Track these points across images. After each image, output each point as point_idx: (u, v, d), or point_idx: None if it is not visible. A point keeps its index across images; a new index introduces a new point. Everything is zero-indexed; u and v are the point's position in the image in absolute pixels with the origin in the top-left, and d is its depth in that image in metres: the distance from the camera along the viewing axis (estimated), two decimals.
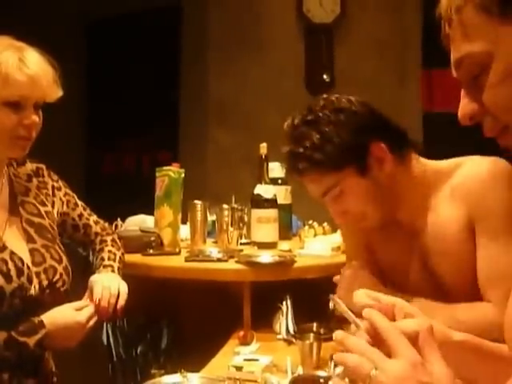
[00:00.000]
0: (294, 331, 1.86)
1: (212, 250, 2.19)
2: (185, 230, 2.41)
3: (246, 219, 2.40)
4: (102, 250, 1.81)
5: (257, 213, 2.29)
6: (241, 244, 2.36)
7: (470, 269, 1.46)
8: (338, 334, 0.86)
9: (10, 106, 1.50)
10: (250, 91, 3.85)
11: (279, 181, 2.45)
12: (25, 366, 1.53)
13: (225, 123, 3.87)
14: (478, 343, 1.05)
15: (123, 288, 1.69)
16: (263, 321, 1.94)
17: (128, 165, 4.91)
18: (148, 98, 4.59)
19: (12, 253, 1.52)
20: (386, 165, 1.50)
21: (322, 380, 1.45)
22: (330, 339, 1.64)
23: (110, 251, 1.80)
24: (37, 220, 1.64)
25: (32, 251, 1.57)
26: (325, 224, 2.51)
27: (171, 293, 2.12)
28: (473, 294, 1.45)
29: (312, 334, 1.72)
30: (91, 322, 1.60)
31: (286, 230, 2.47)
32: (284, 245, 2.28)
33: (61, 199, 1.76)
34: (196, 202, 2.34)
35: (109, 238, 1.85)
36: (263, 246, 2.25)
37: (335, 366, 1.46)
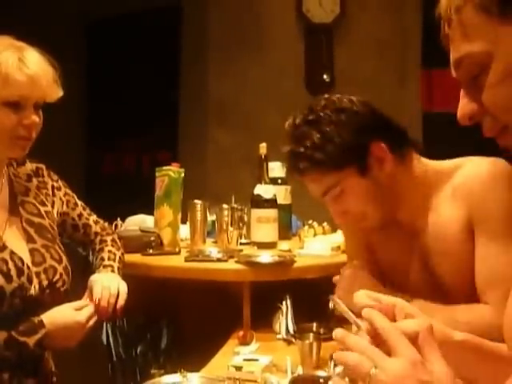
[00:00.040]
0: (294, 331, 1.86)
1: (212, 249, 2.19)
2: (185, 230, 2.41)
3: (245, 219, 2.40)
4: (101, 249, 1.81)
5: (256, 213, 2.29)
6: (240, 244, 2.36)
7: (469, 269, 1.46)
8: (337, 333, 0.86)
9: (9, 105, 1.50)
10: (250, 91, 3.85)
11: (279, 181, 2.45)
12: (25, 366, 1.53)
13: (225, 123, 3.88)
14: (478, 343, 1.05)
15: (123, 288, 1.69)
16: (263, 321, 1.94)
17: (128, 165, 4.91)
18: (148, 98, 4.59)
19: (12, 253, 1.52)
20: (387, 165, 1.50)
21: (321, 380, 1.44)
22: (330, 339, 1.64)
23: (109, 251, 1.80)
24: (37, 220, 1.64)
25: (32, 251, 1.57)
26: (324, 224, 2.51)
27: (171, 293, 2.12)
28: (472, 294, 1.45)
29: (312, 334, 1.72)
30: (91, 322, 1.59)
31: (286, 230, 2.47)
32: (284, 245, 2.28)
33: (61, 199, 1.76)
34: (196, 201, 2.34)
35: (109, 238, 1.85)
36: (263, 245, 2.25)
37: (335, 365, 1.46)
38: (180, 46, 4.24)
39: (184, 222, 2.40)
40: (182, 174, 2.35)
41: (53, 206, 1.72)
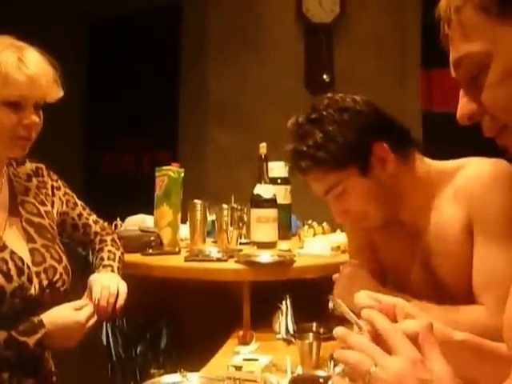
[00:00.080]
0: (294, 331, 1.86)
1: (211, 249, 2.19)
2: (184, 230, 2.41)
3: (245, 219, 2.40)
4: (101, 249, 1.81)
5: (256, 212, 2.29)
6: (240, 244, 2.36)
7: (470, 270, 1.46)
8: (338, 331, 0.86)
9: (9, 105, 1.50)
10: (250, 91, 3.85)
11: (279, 180, 2.45)
12: (24, 366, 1.53)
13: (224, 123, 3.87)
14: (478, 343, 1.05)
15: (122, 287, 1.69)
16: (263, 320, 1.94)
17: (127, 165, 4.91)
18: (148, 98, 4.59)
19: (12, 252, 1.52)
20: (389, 165, 1.50)
21: (321, 380, 1.45)
22: (330, 339, 1.64)
23: (109, 251, 1.80)
24: (37, 220, 1.64)
25: (32, 251, 1.57)
26: (324, 224, 2.51)
27: (171, 292, 2.12)
28: (473, 295, 1.46)
29: (311, 334, 1.72)
30: (91, 322, 1.59)
31: (286, 230, 2.47)
32: (283, 244, 2.28)
33: (60, 199, 1.76)
34: (196, 201, 2.34)
35: (108, 238, 1.85)
36: (263, 245, 2.25)
37: (334, 365, 1.46)
38: (180, 46, 4.24)
39: (184, 221, 2.40)
40: (182, 174, 2.35)
41: (52, 206, 1.72)
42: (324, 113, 1.50)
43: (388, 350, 0.81)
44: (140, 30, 4.65)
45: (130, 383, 2.17)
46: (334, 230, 2.48)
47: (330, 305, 1.64)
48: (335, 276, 1.66)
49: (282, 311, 1.91)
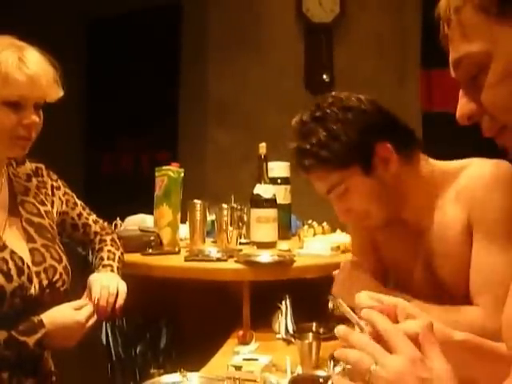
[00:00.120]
0: (294, 331, 1.86)
1: (211, 249, 2.19)
2: (184, 230, 2.41)
3: (245, 219, 2.40)
4: (101, 249, 1.81)
5: (256, 212, 2.29)
6: (240, 244, 2.36)
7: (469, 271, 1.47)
8: (340, 330, 0.86)
9: (9, 105, 1.50)
10: (250, 91, 3.85)
11: (279, 180, 2.45)
12: (24, 366, 1.53)
13: (224, 123, 3.87)
14: (478, 343, 1.05)
15: (122, 287, 1.69)
16: (262, 320, 1.94)
17: (127, 165, 4.91)
18: (147, 98, 4.59)
19: (12, 252, 1.52)
20: (392, 165, 1.49)
21: (321, 379, 1.45)
22: (329, 339, 1.65)
23: (109, 251, 1.80)
24: (37, 220, 1.64)
25: (32, 251, 1.57)
26: (324, 224, 2.51)
27: (170, 292, 2.12)
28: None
29: (311, 334, 1.72)
30: (90, 322, 1.60)
31: (286, 230, 2.47)
32: (283, 244, 2.28)
33: (60, 198, 1.76)
34: (195, 201, 2.34)
35: (108, 238, 1.85)
36: (262, 245, 2.25)
37: (334, 365, 1.46)
38: (180, 46, 4.24)
39: (183, 221, 2.40)
40: (182, 174, 2.35)
41: (52, 206, 1.72)
42: (328, 111, 1.49)
43: (389, 350, 0.82)
44: (140, 30, 4.65)
45: (129, 383, 2.17)
46: (333, 230, 2.48)
47: (330, 305, 1.65)
48: (335, 272, 1.67)
49: (281, 311, 1.91)
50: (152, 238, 2.23)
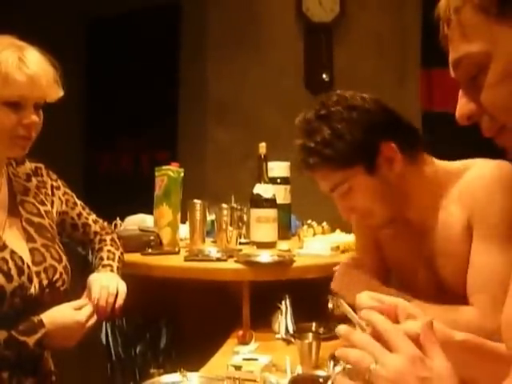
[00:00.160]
0: (293, 331, 1.86)
1: (211, 249, 2.19)
2: (184, 230, 2.41)
3: (245, 219, 2.40)
4: (101, 249, 1.81)
5: (256, 212, 2.29)
6: (240, 243, 2.36)
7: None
8: (341, 329, 0.86)
9: (9, 105, 1.50)
10: (250, 90, 3.85)
11: (278, 180, 2.45)
12: (24, 365, 1.53)
13: (224, 122, 3.87)
14: (478, 343, 1.05)
15: (122, 287, 1.69)
16: (262, 320, 1.94)
17: (127, 164, 4.90)
18: (147, 98, 4.59)
19: (12, 252, 1.52)
20: (396, 165, 1.49)
21: (321, 379, 1.45)
22: (329, 339, 1.65)
23: (109, 250, 1.80)
24: (36, 219, 1.64)
25: (32, 250, 1.57)
26: (324, 224, 2.51)
27: (170, 292, 2.12)
28: None
29: (311, 334, 1.72)
30: (90, 322, 1.60)
31: (285, 230, 2.47)
32: (283, 244, 2.28)
33: (60, 198, 1.76)
34: (195, 201, 2.34)
35: (108, 238, 1.85)
36: (262, 245, 2.25)
37: (334, 365, 1.46)
38: (179, 45, 4.23)
39: (183, 221, 2.40)
40: (182, 174, 2.35)
41: (52, 206, 1.72)
42: (333, 110, 1.49)
43: (389, 350, 0.82)
44: (139, 30, 4.64)
45: (129, 383, 2.17)
46: (333, 230, 2.48)
47: (330, 305, 1.65)
48: (335, 268, 1.67)
49: (281, 311, 1.91)
50: (152, 237, 2.23)
